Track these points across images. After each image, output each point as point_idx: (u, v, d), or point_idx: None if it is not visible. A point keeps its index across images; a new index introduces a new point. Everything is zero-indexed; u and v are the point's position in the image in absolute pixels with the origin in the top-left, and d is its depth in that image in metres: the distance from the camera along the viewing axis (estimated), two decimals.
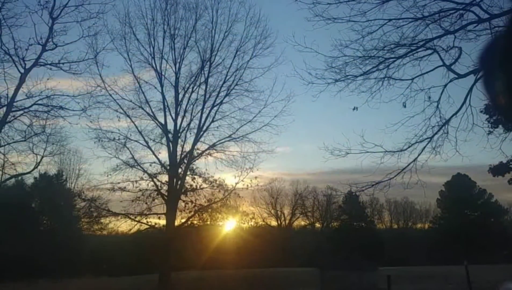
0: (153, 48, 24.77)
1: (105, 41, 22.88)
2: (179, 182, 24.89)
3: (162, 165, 25.18)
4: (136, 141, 24.86)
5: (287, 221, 53.76)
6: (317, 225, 55.75)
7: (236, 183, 25.38)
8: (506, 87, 1.48)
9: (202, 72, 25.30)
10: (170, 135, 24.88)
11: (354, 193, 32.75)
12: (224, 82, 25.33)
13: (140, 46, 24.71)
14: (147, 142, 24.87)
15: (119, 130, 24.76)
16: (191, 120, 25.41)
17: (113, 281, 30.19)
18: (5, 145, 20.24)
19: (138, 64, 24.82)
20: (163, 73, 25.13)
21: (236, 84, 25.32)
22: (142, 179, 24.88)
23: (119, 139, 24.54)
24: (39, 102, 19.80)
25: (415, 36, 11.18)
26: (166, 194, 24.79)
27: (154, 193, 24.90)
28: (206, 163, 26.17)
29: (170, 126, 25.07)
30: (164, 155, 25.27)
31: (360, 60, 11.63)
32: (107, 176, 24.48)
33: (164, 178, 25.26)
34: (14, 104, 19.25)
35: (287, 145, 71.88)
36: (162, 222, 25.01)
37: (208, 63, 25.18)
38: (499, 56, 1.55)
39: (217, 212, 26.75)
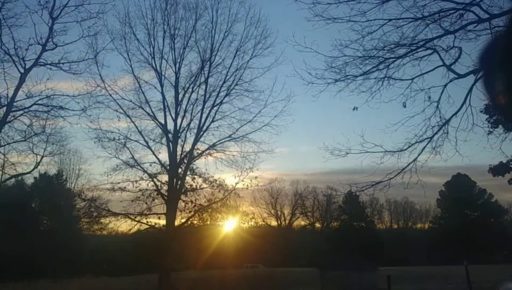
0: (153, 48, 24.81)
1: (105, 41, 22.89)
2: (179, 182, 24.88)
3: (162, 165, 25.18)
4: (136, 141, 24.89)
5: (287, 221, 53.85)
6: (317, 225, 55.88)
7: (236, 183, 25.41)
8: (506, 87, 1.48)
9: (202, 72, 25.33)
10: (170, 135, 24.87)
11: (354, 193, 32.82)
12: (224, 82, 25.36)
13: (140, 46, 24.74)
14: (147, 142, 24.90)
15: (119, 130, 24.79)
16: (191, 120, 25.44)
17: (113, 281, 30.21)
18: (5, 145, 20.25)
19: (138, 64, 24.85)
20: (163, 73, 25.16)
21: (236, 84, 25.35)
22: (142, 179, 24.90)
23: (119, 139, 24.56)
24: (39, 102, 19.82)
25: (415, 36, 11.18)
26: (166, 194, 24.77)
27: (154, 193, 24.89)
28: (206, 163, 26.20)
29: (170, 126, 25.10)
30: (164, 155, 25.30)
31: (360, 60, 11.63)
32: (107, 176, 24.50)
33: (164, 178, 25.28)
34: (14, 104, 19.26)
35: (287, 145, 71.96)
36: (162, 222, 25.01)
37: (208, 63, 25.21)
38: (499, 56, 1.55)
39: (217, 212, 26.75)
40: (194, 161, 25.82)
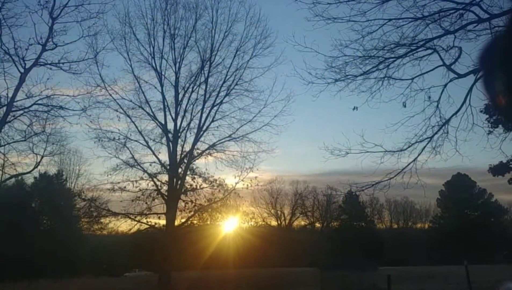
0: (153, 48, 24.81)
1: (105, 41, 22.87)
2: (179, 182, 24.89)
3: (162, 165, 25.18)
4: (136, 141, 24.89)
5: (287, 221, 53.86)
6: (317, 225, 55.87)
7: (236, 183, 25.42)
8: (506, 87, 1.47)
9: (202, 72, 25.33)
10: (170, 135, 24.87)
11: (354, 193, 32.85)
12: (224, 82, 25.36)
13: (140, 46, 24.75)
14: (147, 142, 24.91)
15: (119, 130, 24.77)
16: (191, 120, 25.44)
17: (113, 281, 30.21)
18: (5, 145, 20.25)
19: (138, 64, 24.85)
20: (163, 73, 25.16)
21: (236, 84, 25.35)
22: (142, 179, 24.91)
23: (119, 139, 24.56)
24: (39, 102, 19.82)
25: (415, 36, 11.18)
26: (166, 194, 24.78)
27: (154, 193, 24.90)
28: (206, 163, 26.20)
29: (170, 126, 25.11)
30: (164, 155, 25.31)
31: (360, 60, 11.63)
32: (107, 176, 24.50)
33: (164, 178, 25.29)
34: (14, 104, 19.24)
35: (287, 145, 71.94)
36: (162, 222, 25.02)
37: (208, 63, 25.21)
38: (499, 56, 1.55)
39: (217, 212, 26.77)
40: (194, 161, 25.86)
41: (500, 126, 13.03)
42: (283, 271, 31.43)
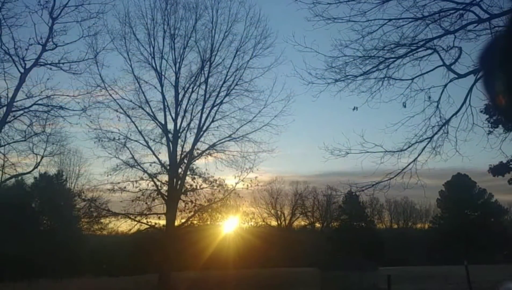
0: (153, 48, 24.80)
1: (105, 41, 22.87)
2: (179, 182, 24.89)
3: (162, 165, 25.18)
4: (136, 141, 24.88)
5: (287, 221, 53.80)
6: (317, 225, 55.80)
7: (236, 183, 25.41)
8: (506, 87, 1.47)
9: (202, 72, 25.32)
10: (170, 135, 24.87)
11: (354, 193, 32.82)
12: (224, 82, 25.36)
13: (140, 46, 24.74)
14: (147, 142, 24.91)
15: (119, 130, 24.76)
16: (191, 120, 25.44)
17: (113, 281, 30.20)
18: (5, 145, 20.25)
19: (138, 64, 24.85)
20: (163, 73, 25.15)
21: (236, 84, 25.35)
22: (142, 179, 24.91)
23: (119, 139, 24.55)
24: (39, 102, 19.82)
25: (415, 36, 11.19)
26: (166, 194, 24.78)
27: (154, 193, 24.90)
28: (206, 163, 26.20)
29: (170, 126, 25.10)
30: (164, 155, 25.31)
31: (360, 60, 11.64)
32: (107, 176, 24.50)
33: (164, 178, 25.29)
34: (14, 104, 19.24)
35: (287, 145, 71.88)
36: (162, 222, 25.02)
37: (208, 63, 25.20)
38: (499, 56, 1.55)
39: (217, 212, 26.77)
40: (194, 161, 25.86)
41: (500, 126, 13.04)
42: (283, 271, 31.41)
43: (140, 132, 24.76)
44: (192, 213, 25.46)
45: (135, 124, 24.70)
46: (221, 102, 25.38)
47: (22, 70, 19.22)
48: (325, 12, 11.10)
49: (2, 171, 21.94)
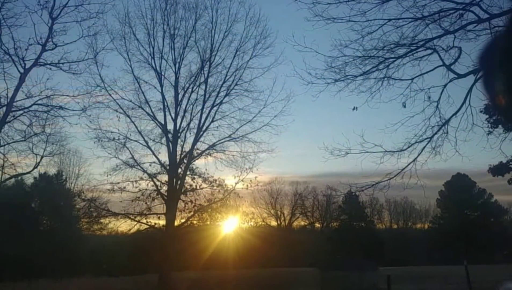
0: (153, 48, 24.81)
1: (105, 41, 22.88)
2: (179, 182, 24.89)
3: (162, 165, 25.18)
4: (136, 141, 24.89)
5: (287, 221, 53.78)
6: (317, 225, 55.79)
7: (236, 183, 25.41)
8: (506, 87, 1.47)
9: (202, 72, 25.32)
10: (170, 135, 24.87)
11: (354, 193, 32.75)
12: (224, 82, 25.36)
13: (140, 46, 24.76)
14: (147, 142, 24.91)
15: (118, 130, 24.76)
16: (191, 120, 25.44)
17: (113, 281, 30.20)
18: (5, 145, 20.26)
19: (138, 64, 24.86)
20: (163, 73, 25.16)
21: (236, 84, 25.36)
22: (142, 179, 24.91)
23: (118, 139, 24.56)
24: (39, 102, 19.83)
25: (415, 36, 11.19)
26: (166, 194, 24.78)
27: (154, 193, 24.90)
28: (206, 163, 26.20)
29: (170, 126, 25.11)
30: (164, 155, 25.32)
31: (360, 60, 11.64)
32: (107, 176, 24.51)
33: (164, 178, 25.29)
34: (14, 104, 19.24)
35: (287, 145, 71.84)
36: (162, 222, 25.01)
37: (208, 63, 25.21)
38: (499, 56, 1.55)
39: (217, 212, 26.77)
40: (194, 161, 25.86)
41: (500, 126, 13.04)
42: (283, 271, 31.41)
43: (139, 132, 24.80)
44: (191, 213, 25.48)
45: (134, 124, 24.75)
46: (221, 102, 25.43)
47: (22, 70, 19.24)
48: (325, 12, 11.11)
49: (2, 171, 21.99)
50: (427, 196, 56.95)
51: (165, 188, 25.00)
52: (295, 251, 43.78)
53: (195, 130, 25.21)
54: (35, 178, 38.00)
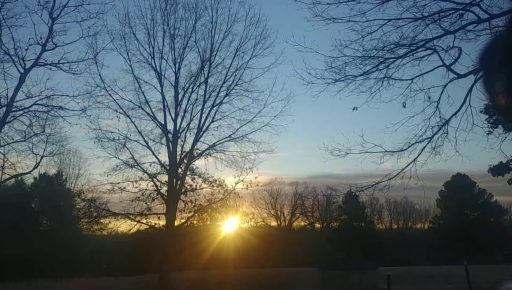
0: (153, 48, 24.80)
1: (105, 41, 22.93)
2: (178, 182, 24.88)
3: (162, 165, 25.17)
4: (136, 141, 24.88)
5: (287, 221, 53.78)
6: (317, 225, 55.78)
7: (236, 183, 25.39)
8: (506, 87, 1.48)
9: (202, 72, 25.32)
10: (170, 135, 24.86)
11: (354, 193, 32.78)
12: (224, 82, 25.36)
13: (140, 46, 24.74)
14: (147, 142, 24.90)
15: (118, 130, 24.75)
16: (191, 120, 25.43)
17: (113, 281, 30.20)
18: (5, 145, 20.27)
19: (138, 64, 24.85)
20: (163, 73, 25.15)
21: (236, 84, 25.35)
22: (142, 179, 24.89)
23: (118, 139, 24.55)
24: (39, 102, 19.83)
25: (415, 36, 11.18)
26: (166, 194, 24.77)
27: (154, 193, 24.89)
28: (206, 163, 26.17)
29: (170, 126, 25.10)
30: (164, 155, 25.31)
31: (360, 60, 11.63)
32: (107, 176, 24.49)
33: (164, 178, 25.28)
34: (14, 104, 19.25)
35: (287, 145, 71.84)
36: (162, 222, 24.99)
37: (208, 63, 25.20)
38: (499, 56, 1.55)
39: (217, 212, 26.75)
40: (194, 161, 25.85)
41: (500, 126, 13.04)
42: (283, 271, 31.41)
43: (139, 132, 24.79)
44: (191, 213, 25.47)
45: (134, 124, 24.74)
46: (221, 102, 25.42)
47: (22, 70, 19.25)
48: (325, 12, 11.10)
49: (2, 171, 21.98)
50: (427, 196, 57.02)
51: (165, 188, 25.00)
52: (295, 251, 43.78)
53: (195, 130, 25.24)
54: (35, 178, 38.07)
